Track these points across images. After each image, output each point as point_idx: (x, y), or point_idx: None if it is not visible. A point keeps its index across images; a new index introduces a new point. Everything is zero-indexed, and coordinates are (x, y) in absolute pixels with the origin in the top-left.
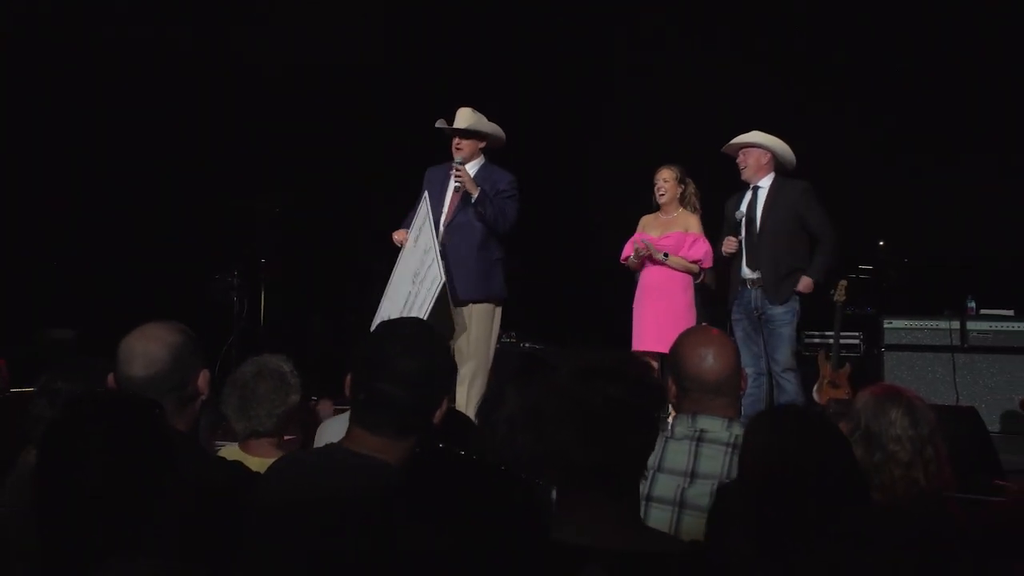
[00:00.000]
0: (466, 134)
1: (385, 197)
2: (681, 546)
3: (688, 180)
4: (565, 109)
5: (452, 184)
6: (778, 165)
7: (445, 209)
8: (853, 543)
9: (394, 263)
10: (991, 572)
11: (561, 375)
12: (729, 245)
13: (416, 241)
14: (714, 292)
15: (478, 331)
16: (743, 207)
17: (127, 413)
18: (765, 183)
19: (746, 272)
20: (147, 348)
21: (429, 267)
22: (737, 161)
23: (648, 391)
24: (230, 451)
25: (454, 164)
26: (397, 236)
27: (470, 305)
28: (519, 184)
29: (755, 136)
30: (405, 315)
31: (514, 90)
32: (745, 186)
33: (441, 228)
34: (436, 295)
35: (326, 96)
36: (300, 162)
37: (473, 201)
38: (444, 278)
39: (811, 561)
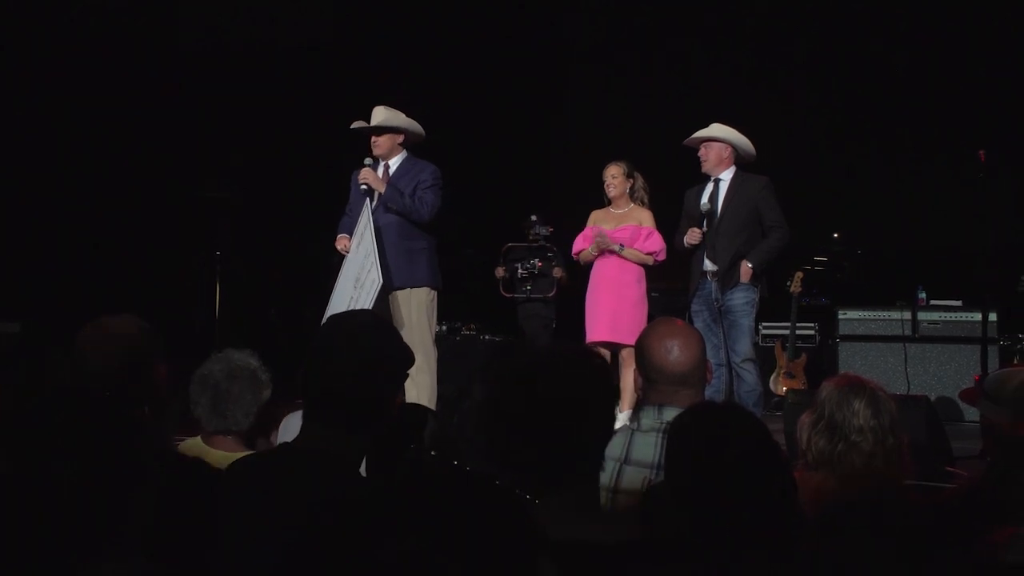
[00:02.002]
0: (380, 131)
1: (343, 188)
2: (632, 534)
3: (636, 175)
4: (522, 105)
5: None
6: (738, 158)
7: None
8: (822, 534)
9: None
10: (947, 558)
11: (495, 376)
12: (693, 236)
13: (358, 247)
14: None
15: (416, 318)
16: (705, 199)
17: (104, 412)
18: (726, 176)
19: (707, 264)
20: (105, 341)
21: (368, 271)
22: (699, 154)
23: (587, 384)
24: (191, 445)
25: (363, 164)
26: (341, 243)
27: (408, 290)
28: (443, 174)
29: (716, 130)
30: None
31: (471, 84)
32: (706, 178)
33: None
34: (374, 298)
35: (284, 85)
36: (257, 152)
37: (382, 198)
38: (381, 281)
39: (780, 553)
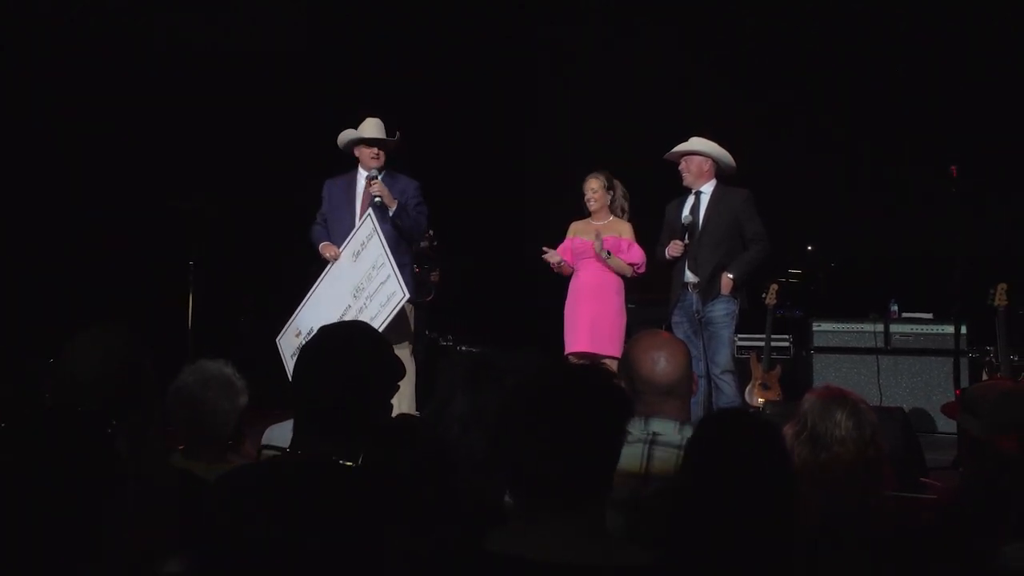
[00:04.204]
0: (387, 144)
1: (317, 196)
2: (646, 559)
3: (615, 184)
4: (497, 113)
5: (359, 194)
6: (719, 171)
7: (357, 219)
8: (808, 543)
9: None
10: (933, 569)
11: (522, 383)
12: (675, 249)
13: (356, 256)
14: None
15: (398, 330)
16: (687, 212)
17: (73, 430)
18: (707, 189)
19: (688, 276)
20: (93, 350)
21: (383, 283)
22: (679, 168)
23: (614, 401)
24: (173, 458)
25: (368, 177)
26: (329, 251)
27: None
28: (424, 188)
29: (697, 144)
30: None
31: (445, 92)
32: (687, 191)
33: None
34: (395, 310)
35: (256, 92)
36: (232, 161)
37: (391, 214)
38: (406, 294)
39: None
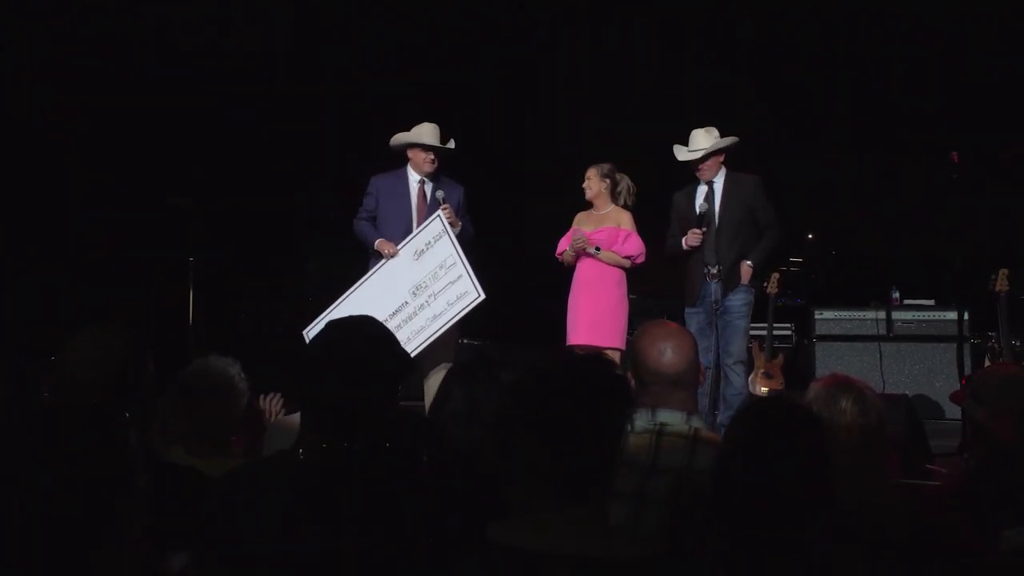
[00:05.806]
0: (446, 151)
1: (319, 194)
2: (648, 551)
3: (619, 176)
4: (498, 106)
5: (414, 194)
6: (725, 156)
7: (414, 221)
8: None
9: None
10: (941, 556)
11: (522, 377)
12: (693, 239)
13: (419, 255)
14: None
15: (451, 330)
16: (701, 201)
17: (88, 425)
18: (719, 179)
19: (707, 267)
20: (94, 349)
21: (453, 282)
22: (701, 167)
23: (614, 392)
24: (175, 454)
25: (441, 204)
26: (387, 248)
27: None
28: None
29: (705, 140)
30: (397, 326)
31: (445, 83)
32: (693, 180)
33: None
34: (468, 309)
35: (255, 91)
36: (232, 160)
37: (457, 233)
38: (481, 294)
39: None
